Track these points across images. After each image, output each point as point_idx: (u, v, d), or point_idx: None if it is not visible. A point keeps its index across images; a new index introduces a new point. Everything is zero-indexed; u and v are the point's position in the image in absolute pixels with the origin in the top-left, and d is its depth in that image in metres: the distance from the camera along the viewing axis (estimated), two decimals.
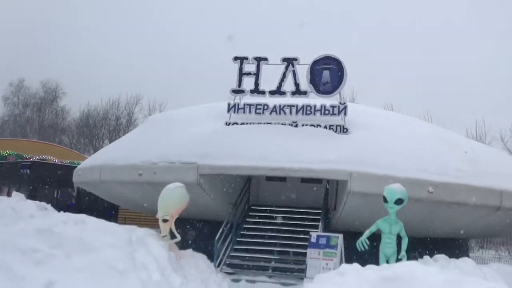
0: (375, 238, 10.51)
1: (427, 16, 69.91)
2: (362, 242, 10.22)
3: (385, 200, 10.37)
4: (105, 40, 63.49)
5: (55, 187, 27.61)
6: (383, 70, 54.58)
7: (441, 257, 10.89)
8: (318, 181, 14.77)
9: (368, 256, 10.71)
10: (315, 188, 14.84)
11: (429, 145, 13.42)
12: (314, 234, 10.22)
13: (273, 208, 14.27)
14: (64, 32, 64.24)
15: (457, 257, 15.22)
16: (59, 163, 28.01)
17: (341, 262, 10.03)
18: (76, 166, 17.83)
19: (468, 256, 17.66)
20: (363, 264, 11.21)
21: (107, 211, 25.99)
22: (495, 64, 54.74)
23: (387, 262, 10.33)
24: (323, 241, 9.96)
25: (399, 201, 10.23)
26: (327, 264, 9.71)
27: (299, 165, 11.86)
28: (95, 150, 41.19)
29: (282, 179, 14.97)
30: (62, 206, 17.80)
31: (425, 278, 6.39)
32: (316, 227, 13.02)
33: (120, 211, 25.45)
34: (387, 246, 10.36)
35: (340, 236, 10.25)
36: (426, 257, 10.89)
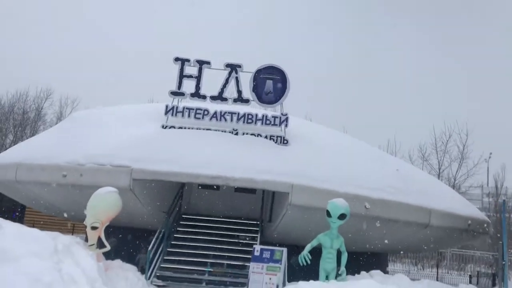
0: (313, 252, 10.42)
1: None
2: (304, 257, 10.04)
3: (328, 215, 10.31)
4: (17, 32, 58.79)
5: None
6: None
7: (376, 273, 11.04)
8: (252, 191, 14.50)
9: (307, 271, 10.60)
10: (249, 199, 14.54)
11: (363, 161, 13.68)
12: (257, 247, 9.85)
13: (205, 217, 13.74)
14: None
15: (380, 270, 15.71)
16: None
17: (284, 278, 9.77)
18: None
19: (386, 269, 18.39)
20: (302, 279, 11.13)
21: (10, 212, 23.76)
22: (410, 86, 58.43)
23: (327, 277, 10.28)
24: (267, 254, 9.61)
25: (342, 216, 10.22)
26: (270, 279, 9.38)
27: (240, 175, 11.49)
28: None
29: (216, 187, 14.51)
30: None
31: None
32: (252, 238, 12.72)
33: (28, 213, 23.30)
34: (327, 261, 10.27)
35: (285, 250, 9.99)
36: (363, 273, 10.99)
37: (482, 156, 36.33)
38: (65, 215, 13.10)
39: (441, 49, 63.85)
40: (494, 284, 15.00)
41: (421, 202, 12.64)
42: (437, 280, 20.82)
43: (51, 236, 9.68)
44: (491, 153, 37.69)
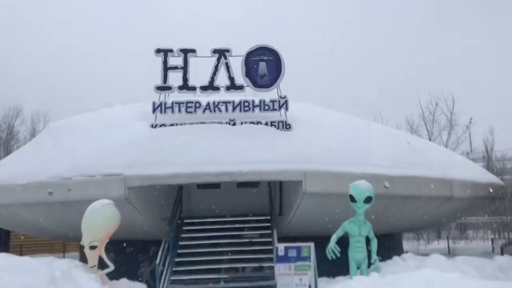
0: (339, 242, 9.46)
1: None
2: (333, 249, 9.08)
3: (352, 199, 9.38)
4: None
5: None
6: None
7: (409, 256, 10.19)
8: (256, 184, 13.44)
9: (335, 264, 9.62)
10: (253, 193, 13.45)
11: (372, 138, 12.77)
12: (281, 246, 8.81)
13: (210, 220, 12.61)
14: None
15: (395, 252, 14.86)
16: None
17: (315, 276, 8.75)
18: None
19: (402, 250, 17.57)
20: (330, 274, 10.14)
21: None
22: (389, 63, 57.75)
23: (358, 268, 9.34)
24: (292, 253, 8.59)
25: (368, 200, 9.30)
26: (300, 279, 8.38)
27: (247, 168, 10.39)
28: None
29: (216, 185, 13.36)
30: None
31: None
32: (264, 236, 11.66)
33: (14, 238, 21.70)
34: (357, 250, 9.35)
35: (312, 245, 8.97)
36: (396, 258, 10.08)
37: (471, 121, 36.12)
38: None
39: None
40: None
41: (441, 174, 11.79)
42: (449, 253, 20.16)
43: (45, 262, 8.48)
44: (471, 118, 37.35)
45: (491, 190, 12.80)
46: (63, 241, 21.83)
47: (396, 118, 43.55)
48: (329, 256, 8.96)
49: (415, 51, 57.58)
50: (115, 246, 12.47)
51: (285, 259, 8.65)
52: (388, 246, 14.18)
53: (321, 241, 9.89)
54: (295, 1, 69.36)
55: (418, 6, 65.00)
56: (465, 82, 42.65)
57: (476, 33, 57.08)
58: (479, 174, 13.55)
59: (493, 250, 18.83)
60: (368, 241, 9.60)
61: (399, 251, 16.14)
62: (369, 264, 9.39)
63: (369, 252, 9.54)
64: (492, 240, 19.73)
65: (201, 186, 13.61)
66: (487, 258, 11.81)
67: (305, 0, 67.38)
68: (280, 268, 8.57)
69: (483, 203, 13.33)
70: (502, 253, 13.86)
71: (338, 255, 8.98)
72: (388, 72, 54.92)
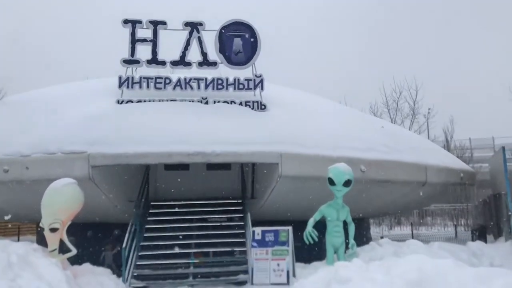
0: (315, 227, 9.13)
1: None
2: (310, 234, 8.74)
3: (331, 183, 9.04)
4: None
5: None
6: None
7: (386, 241, 9.98)
8: (227, 167, 12.95)
9: (310, 249, 9.32)
10: (224, 176, 12.96)
11: (347, 122, 12.53)
12: (258, 230, 8.40)
13: (178, 203, 12.04)
14: None
15: (365, 237, 14.77)
16: None
17: (293, 261, 8.38)
18: None
19: (370, 234, 17.57)
20: (305, 259, 9.82)
21: None
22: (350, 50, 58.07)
23: (336, 253, 9.05)
24: (270, 237, 8.19)
25: (347, 183, 8.99)
26: (278, 264, 7.98)
27: (222, 149, 9.86)
28: None
29: (185, 167, 12.80)
30: None
31: (455, 275, 5.06)
32: (235, 220, 11.22)
33: None
34: (335, 235, 9.04)
35: (290, 229, 8.59)
36: (372, 243, 9.86)
37: (432, 110, 36.68)
38: (6, 217, 10.91)
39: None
40: (484, 237, 14.47)
41: (416, 159, 11.63)
42: (412, 238, 20.36)
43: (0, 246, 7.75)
44: (429, 109, 37.93)
45: (462, 176, 12.80)
46: (17, 224, 20.72)
47: (360, 104, 43.67)
48: (306, 241, 8.62)
49: (382, 38, 58.17)
50: (77, 228, 11.78)
51: (262, 243, 8.24)
52: (359, 231, 14.10)
53: (295, 225, 9.56)
54: None
55: None
56: (429, 72, 43.36)
57: (442, 24, 58.11)
58: (451, 160, 13.55)
59: (456, 236, 19.13)
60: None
61: (368, 236, 16.11)
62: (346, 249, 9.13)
63: None
64: (456, 226, 20.07)
65: (169, 168, 13.00)
66: (454, 243, 11.83)
67: None
68: (256, 252, 8.16)
69: (454, 189, 13.34)
70: (472, 239, 14.00)
71: (316, 239, 8.65)
72: (353, 58, 55.26)
